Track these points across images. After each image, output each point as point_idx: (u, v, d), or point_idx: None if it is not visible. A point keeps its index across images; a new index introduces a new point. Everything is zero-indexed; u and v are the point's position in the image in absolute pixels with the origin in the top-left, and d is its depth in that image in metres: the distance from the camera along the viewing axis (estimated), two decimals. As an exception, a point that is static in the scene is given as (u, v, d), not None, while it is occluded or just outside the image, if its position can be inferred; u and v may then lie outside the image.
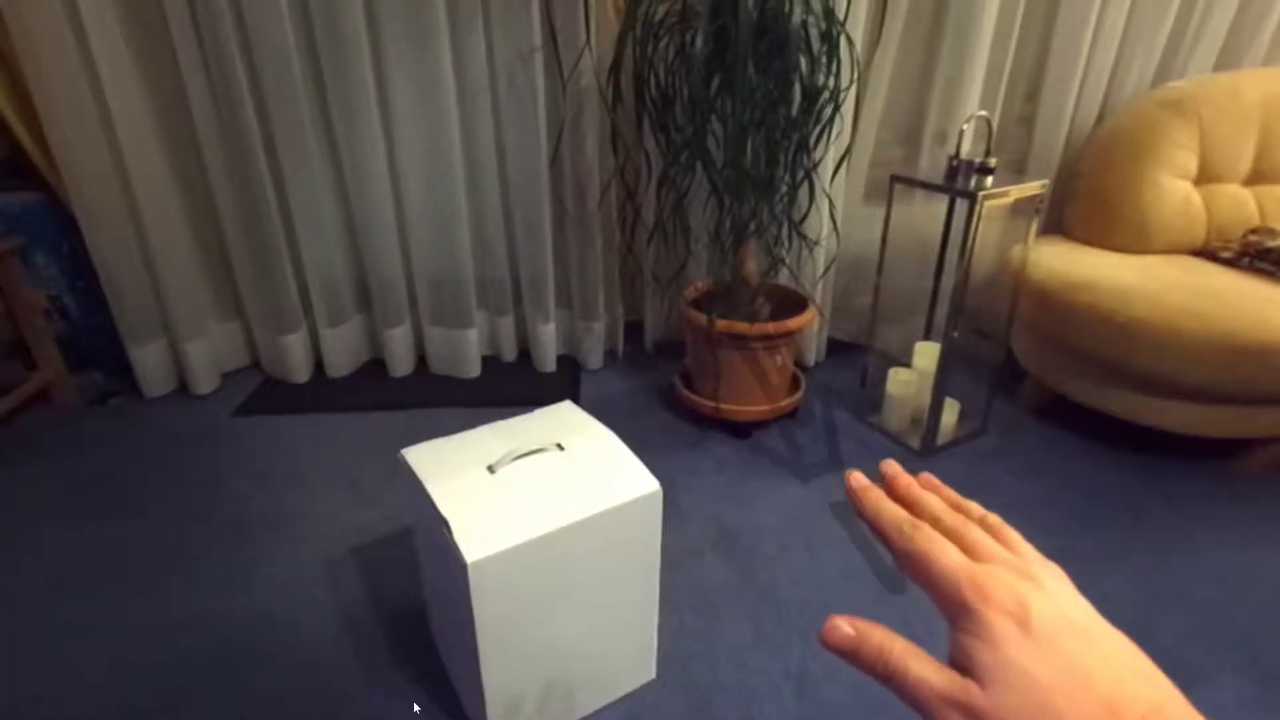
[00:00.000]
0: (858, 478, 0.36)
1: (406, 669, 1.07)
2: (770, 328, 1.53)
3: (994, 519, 0.33)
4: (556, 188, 1.77)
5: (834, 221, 1.74)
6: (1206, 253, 1.67)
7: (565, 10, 1.57)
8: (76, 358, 1.84)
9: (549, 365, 1.95)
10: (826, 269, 1.86)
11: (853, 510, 0.35)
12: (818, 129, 1.46)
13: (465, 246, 1.78)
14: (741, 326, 1.51)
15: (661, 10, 1.40)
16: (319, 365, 1.93)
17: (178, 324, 1.75)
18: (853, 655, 0.29)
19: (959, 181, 1.43)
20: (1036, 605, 0.27)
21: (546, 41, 1.60)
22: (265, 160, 1.65)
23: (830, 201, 1.72)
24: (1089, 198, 1.76)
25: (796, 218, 1.60)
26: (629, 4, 1.40)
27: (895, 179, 1.56)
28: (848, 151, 1.67)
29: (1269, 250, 1.56)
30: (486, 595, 0.81)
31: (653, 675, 1.07)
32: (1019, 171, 1.88)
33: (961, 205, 1.45)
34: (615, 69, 1.47)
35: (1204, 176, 1.70)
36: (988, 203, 1.37)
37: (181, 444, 1.64)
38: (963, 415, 1.67)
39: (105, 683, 1.05)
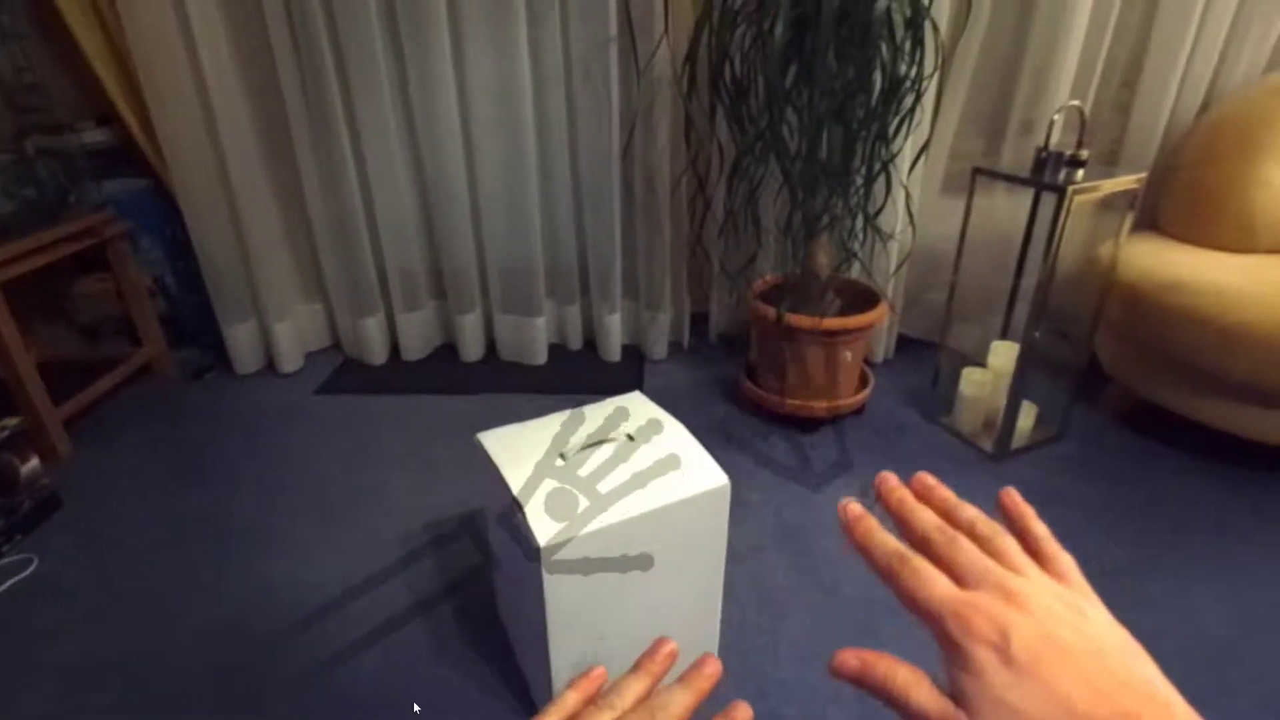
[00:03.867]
0: (852, 508, 0.36)
1: (476, 647, 1.11)
2: (839, 323, 1.51)
3: (983, 527, 0.33)
4: (627, 178, 1.78)
5: (910, 215, 1.69)
6: (1321, 253, 1.55)
7: (641, 1, 1.57)
8: (176, 335, 1.96)
9: (614, 355, 1.97)
10: (900, 264, 1.81)
11: (847, 542, 0.35)
12: (897, 119, 1.42)
13: (536, 236, 1.82)
14: (810, 321, 1.49)
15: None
16: (395, 348, 2.01)
17: (267, 305, 1.85)
18: (859, 683, 0.31)
19: (1047, 175, 1.37)
20: (1016, 632, 0.27)
21: (623, 31, 1.60)
22: (349, 147, 1.72)
23: (907, 194, 1.67)
24: (1188, 192, 1.65)
25: (871, 210, 1.57)
26: (707, -7, 1.39)
27: (978, 171, 1.51)
28: (927, 143, 1.61)
29: (1395, 251, 1.44)
30: (557, 578, 0.83)
31: (713, 666, 1.08)
32: (1111, 163, 1.78)
33: (1048, 200, 1.39)
34: (691, 58, 1.47)
35: (1322, 171, 1.57)
36: (1077, 198, 1.31)
37: (269, 419, 1.74)
38: (1040, 419, 1.60)
39: (193, 640, 1.13)
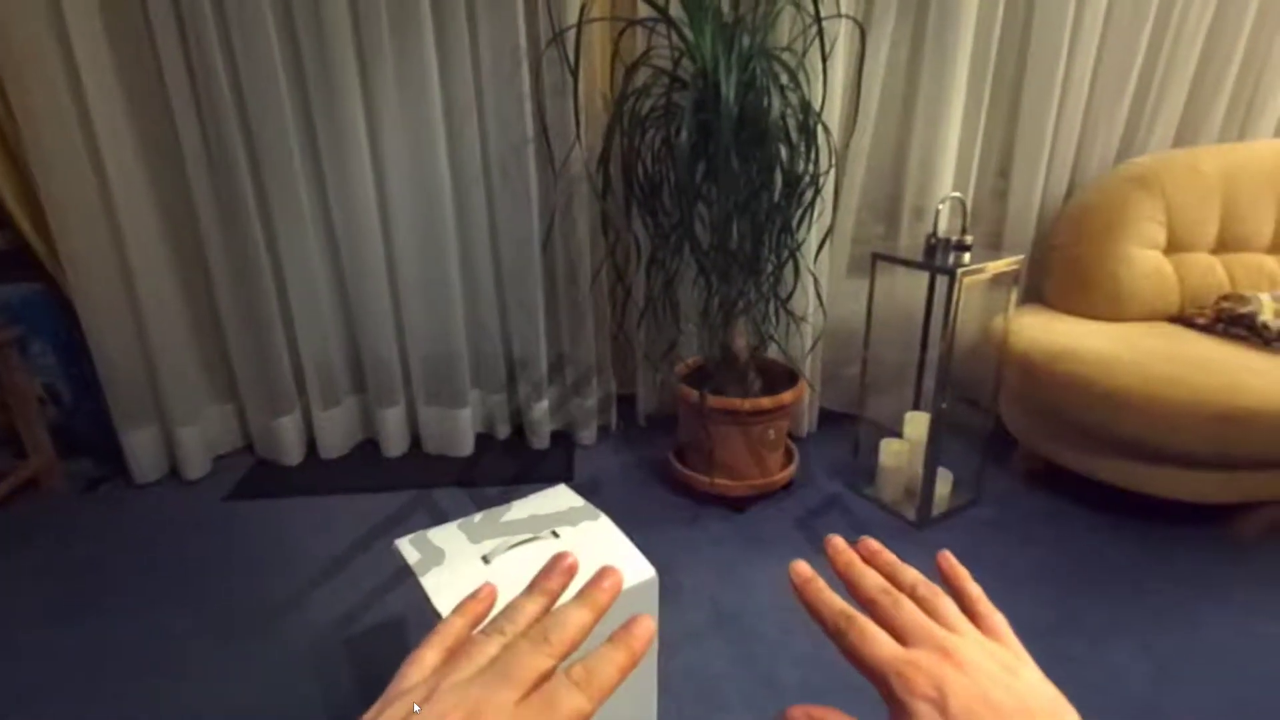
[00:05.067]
0: (800, 570, 0.37)
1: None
2: (761, 402, 1.55)
3: (924, 589, 0.36)
4: (549, 270, 1.82)
5: (819, 297, 1.78)
6: (1182, 319, 1.72)
7: (556, 105, 1.65)
8: (67, 444, 1.83)
9: (543, 442, 1.95)
10: (814, 344, 1.89)
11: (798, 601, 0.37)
12: (800, 211, 1.52)
13: (459, 327, 1.81)
14: (733, 402, 1.53)
15: (647, 105, 1.48)
16: (312, 446, 1.93)
17: (171, 408, 1.76)
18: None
19: (938, 259, 1.48)
20: (953, 689, 0.30)
21: (538, 134, 1.67)
22: (263, 243, 1.69)
23: (815, 278, 1.77)
24: (1064, 269, 1.82)
25: (783, 295, 1.65)
26: (616, 101, 1.47)
27: (877, 256, 1.62)
28: (829, 231, 1.73)
29: (1241, 316, 1.61)
30: (481, 692, 0.79)
31: (653, 769, 1.04)
32: (995, 245, 1.94)
33: (942, 280, 1.49)
34: (604, 159, 1.54)
35: (1173, 246, 1.76)
36: (966, 279, 1.42)
37: (172, 532, 1.62)
38: (957, 485, 1.67)
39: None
